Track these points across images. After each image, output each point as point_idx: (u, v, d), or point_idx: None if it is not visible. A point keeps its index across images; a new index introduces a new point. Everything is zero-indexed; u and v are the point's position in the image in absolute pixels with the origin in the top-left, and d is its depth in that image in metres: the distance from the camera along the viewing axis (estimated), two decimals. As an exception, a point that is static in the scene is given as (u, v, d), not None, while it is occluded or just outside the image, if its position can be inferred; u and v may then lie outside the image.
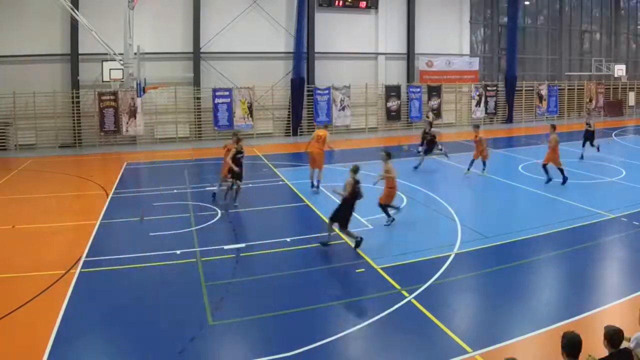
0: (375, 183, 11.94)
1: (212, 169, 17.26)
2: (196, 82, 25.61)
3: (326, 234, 10.32)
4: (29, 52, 22.93)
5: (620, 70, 34.81)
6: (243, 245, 10.45)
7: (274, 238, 10.74)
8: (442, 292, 8.31)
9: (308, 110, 27.94)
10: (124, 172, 18.36)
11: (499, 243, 10.42)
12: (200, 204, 13.54)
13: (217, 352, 6.94)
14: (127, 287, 8.72)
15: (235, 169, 13.13)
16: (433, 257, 9.67)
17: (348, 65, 28.77)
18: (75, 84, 23.80)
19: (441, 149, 19.38)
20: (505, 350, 6.41)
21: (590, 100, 35.88)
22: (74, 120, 24.05)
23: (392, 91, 29.57)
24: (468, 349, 6.49)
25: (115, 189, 15.60)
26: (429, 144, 18.08)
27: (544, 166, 15.13)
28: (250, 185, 15.23)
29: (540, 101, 33.87)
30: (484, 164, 16.53)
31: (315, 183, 14.82)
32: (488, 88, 32.09)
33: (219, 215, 12.59)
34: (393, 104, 29.63)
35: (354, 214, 10.18)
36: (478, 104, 31.87)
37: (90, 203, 14.23)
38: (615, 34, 37.95)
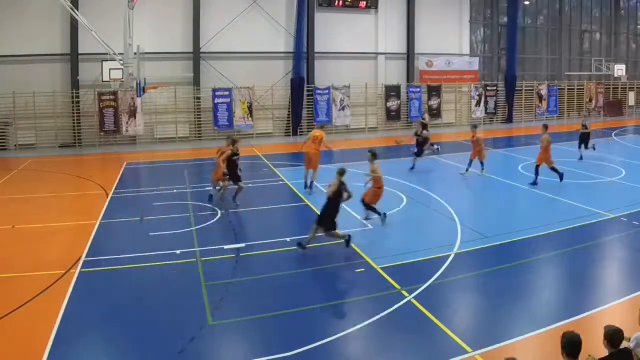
0: (366, 184, 11.86)
1: (213, 169, 17.23)
2: (196, 82, 25.62)
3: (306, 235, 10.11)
4: (29, 52, 22.94)
5: (620, 70, 34.81)
6: (243, 245, 10.45)
7: (274, 238, 10.74)
8: (442, 292, 8.31)
9: (308, 110, 27.95)
10: (124, 172, 18.36)
11: (499, 243, 10.42)
12: (200, 204, 13.53)
13: (217, 352, 6.94)
14: (127, 287, 8.73)
15: (225, 170, 13.07)
16: (433, 257, 9.67)
17: (348, 65, 28.78)
18: (75, 84, 23.80)
19: (437, 149, 19.49)
20: (505, 350, 6.41)
21: (590, 100, 35.89)
22: (74, 120, 24.05)
23: (392, 91, 29.57)
24: (468, 349, 6.49)
25: (115, 189, 15.60)
26: (419, 146, 18.03)
27: (537, 167, 15.07)
28: (250, 185, 15.23)
29: (540, 101, 33.87)
30: (482, 164, 16.53)
31: (309, 183, 14.82)
32: (488, 88, 32.09)
33: (219, 215, 12.59)
34: (393, 104, 29.64)
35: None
36: (478, 104, 31.87)
37: (90, 203, 14.23)
38: (615, 34, 37.95)
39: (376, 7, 29.14)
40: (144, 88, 16.87)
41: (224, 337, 7.20)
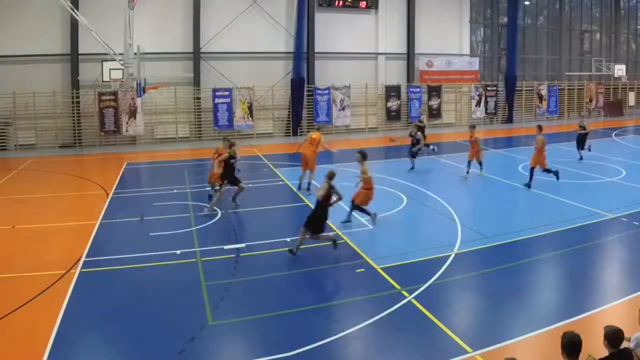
0: (357, 185, 11.80)
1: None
2: (196, 82, 25.62)
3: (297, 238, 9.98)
4: (29, 52, 22.94)
5: (620, 70, 34.83)
6: (243, 245, 10.45)
7: (274, 238, 10.74)
8: (442, 292, 8.31)
9: (308, 110, 27.94)
10: (124, 172, 18.36)
11: (499, 243, 10.42)
12: (200, 204, 13.53)
13: (217, 352, 6.94)
14: (127, 287, 8.72)
15: (217, 172, 13.04)
16: (433, 257, 9.67)
17: (348, 65, 28.78)
18: (75, 84, 23.80)
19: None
20: (505, 350, 6.41)
21: (590, 100, 35.90)
22: (74, 120, 24.05)
23: (392, 91, 29.57)
24: (468, 349, 6.49)
25: (115, 189, 15.60)
26: (413, 146, 18.01)
27: (531, 169, 14.96)
28: (250, 185, 15.23)
29: (540, 101, 33.87)
30: (480, 164, 16.54)
31: (305, 185, 14.83)
32: (488, 88, 32.09)
33: (219, 215, 12.59)
34: (393, 104, 29.63)
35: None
36: (478, 104, 31.87)
37: (90, 203, 14.23)
38: (615, 34, 37.96)
39: (376, 7, 29.13)
40: (144, 88, 16.86)
41: (224, 337, 7.20)
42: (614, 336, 4.73)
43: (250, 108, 26.40)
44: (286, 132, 27.63)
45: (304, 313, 7.65)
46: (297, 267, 9.42)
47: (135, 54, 16.26)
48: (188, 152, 22.77)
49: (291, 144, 24.87)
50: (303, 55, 27.03)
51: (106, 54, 17.58)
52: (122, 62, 16.55)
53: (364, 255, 9.75)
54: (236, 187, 13.20)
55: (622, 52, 38.47)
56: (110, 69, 21.87)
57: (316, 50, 27.76)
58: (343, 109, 28.32)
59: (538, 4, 35.29)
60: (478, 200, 14.74)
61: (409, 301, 7.83)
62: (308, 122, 27.72)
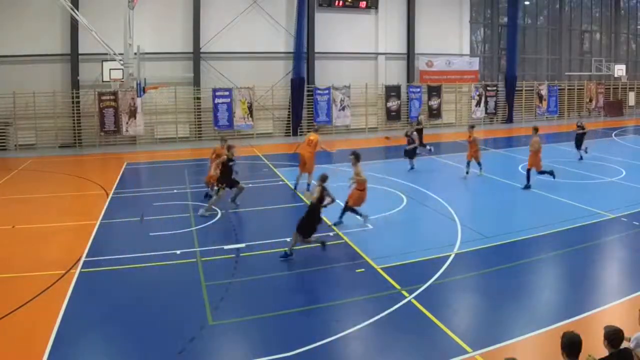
0: (350, 186, 11.75)
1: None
2: (196, 82, 25.62)
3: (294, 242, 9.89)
4: (29, 52, 22.94)
5: (620, 70, 34.83)
6: (243, 245, 10.45)
7: (274, 238, 10.73)
8: (442, 292, 8.31)
9: (308, 110, 27.94)
10: (124, 172, 18.36)
11: (499, 243, 10.42)
12: (200, 204, 13.51)
13: (217, 352, 6.94)
14: (127, 287, 8.72)
15: (213, 174, 13.00)
16: (433, 257, 9.67)
17: (348, 65, 28.78)
18: (75, 84, 23.80)
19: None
20: (505, 350, 6.41)
21: (590, 100, 35.90)
22: (74, 120, 24.05)
23: (392, 91, 29.57)
24: (468, 349, 6.49)
25: (115, 189, 15.60)
26: (408, 144, 18.02)
27: (528, 171, 14.91)
28: (250, 185, 15.23)
29: (540, 101, 33.88)
30: (479, 164, 16.53)
31: (304, 186, 14.82)
32: (488, 88, 32.09)
33: (219, 215, 12.59)
34: (393, 104, 29.64)
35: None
36: (478, 104, 31.87)
37: (90, 203, 14.23)
38: (615, 34, 37.96)
39: (376, 7, 29.13)
40: (144, 88, 16.86)
41: (224, 337, 7.20)
42: (614, 336, 4.73)
43: (250, 108, 26.40)
44: (286, 132, 27.63)
45: (304, 313, 7.65)
46: (297, 267, 9.41)
47: (135, 54, 16.26)
48: (188, 152, 22.77)
49: (291, 144, 24.88)
50: (303, 55, 27.03)
51: (106, 54, 17.58)
52: (122, 62, 16.55)
53: (364, 255, 9.75)
54: (235, 189, 13.18)
55: (622, 52, 38.47)
56: (110, 69, 21.86)
57: (316, 50, 27.76)
58: (343, 109, 28.32)
59: (538, 4, 35.29)
60: (478, 200, 14.74)
61: (409, 301, 7.83)
62: (308, 122, 27.72)
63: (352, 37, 28.68)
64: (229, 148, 12.93)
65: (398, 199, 13.81)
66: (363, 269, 9.17)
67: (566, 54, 36.15)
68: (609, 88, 36.84)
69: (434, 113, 30.61)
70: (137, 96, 20.27)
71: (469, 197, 15.15)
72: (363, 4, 28.73)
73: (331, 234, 10.98)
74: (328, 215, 11.71)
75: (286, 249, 9.73)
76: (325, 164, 16.00)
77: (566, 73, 35.36)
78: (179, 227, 11.68)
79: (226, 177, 12.81)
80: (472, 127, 17.18)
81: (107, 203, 13.94)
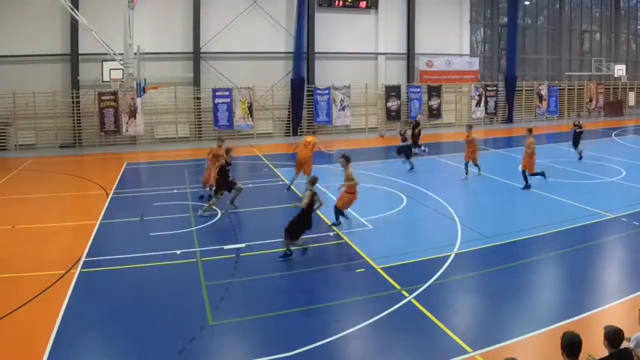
0: (339, 189, 11.71)
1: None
2: (196, 82, 25.62)
3: (289, 246, 9.84)
4: (29, 52, 22.94)
5: (620, 70, 34.83)
6: (243, 245, 10.45)
7: (274, 238, 10.70)
8: (442, 292, 8.31)
9: (308, 110, 27.94)
10: (124, 172, 18.36)
11: (499, 243, 10.42)
12: (200, 204, 13.53)
13: (217, 352, 6.94)
14: (127, 287, 8.72)
15: (211, 174, 12.97)
16: (433, 257, 9.67)
17: (348, 65, 28.78)
18: (75, 84, 23.80)
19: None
20: (505, 350, 6.41)
21: (590, 100, 35.90)
22: (74, 120, 24.05)
23: (392, 91, 29.57)
24: (468, 349, 6.49)
25: (115, 189, 15.60)
26: (403, 142, 18.04)
27: (523, 172, 14.91)
28: (250, 185, 15.23)
29: (540, 101, 33.88)
30: (477, 166, 16.53)
31: (293, 187, 14.85)
32: (488, 88, 32.09)
33: (219, 215, 12.59)
34: (393, 104, 29.63)
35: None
36: (478, 104, 31.87)
37: (90, 203, 14.23)
38: (615, 34, 37.96)
39: (376, 7, 29.13)
40: (144, 88, 16.86)
41: (224, 337, 7.20)
42: (614, 336, 4.73)
43: (250, 108, 26.40)
44: (286, 132, 27.62)
45: (304, 313, 7.65)
46: (297, 267, 9.41)
47: (135, 54, 16.26)
48: (188, 152, 22.77)
49: (291, 144, 24.89)
50: (303, 55, 27.03)
51: (106, 54, 17.58)
52: (122, 62, 16.55)
53: (364, 255, 9.75)
54: (233, 191, 13.13)
55: (622, 52, 38.46)
56: (110, 69, 21.86)
57: (316, 50, 27.76)
58: (343, 109, 28.32)
59: (538, 4, 35.29)
60: (478, 200, 14.73)
61: (409, 301, 7.83)
62: (308, 122, 27.72)
63: (352, 37, 28.68)
64: (227, 151, 12.80)
65: (398, 199, 13.82)
66: (363, 269, 9.17)
67: (566, 54, 36.16)
68: (609, 88, 36.84)
69: (434, 113, 30.61)
70: (137, 96, 20.27)
71: (469, 197, 15.15)
72: (363, 4, 28.73)
73: (331, 234, 10.99)
74: (328, 215, 11.74)
75: (285, 249, 9.74)
76: (325, 164, 15.99)
77: (566, 73, 35.36)
78: (179, 227, 11.68)
79: (224, 181, 12.79)
80: (470, 126, 17.19)
81: (107, 203, 13.94)
